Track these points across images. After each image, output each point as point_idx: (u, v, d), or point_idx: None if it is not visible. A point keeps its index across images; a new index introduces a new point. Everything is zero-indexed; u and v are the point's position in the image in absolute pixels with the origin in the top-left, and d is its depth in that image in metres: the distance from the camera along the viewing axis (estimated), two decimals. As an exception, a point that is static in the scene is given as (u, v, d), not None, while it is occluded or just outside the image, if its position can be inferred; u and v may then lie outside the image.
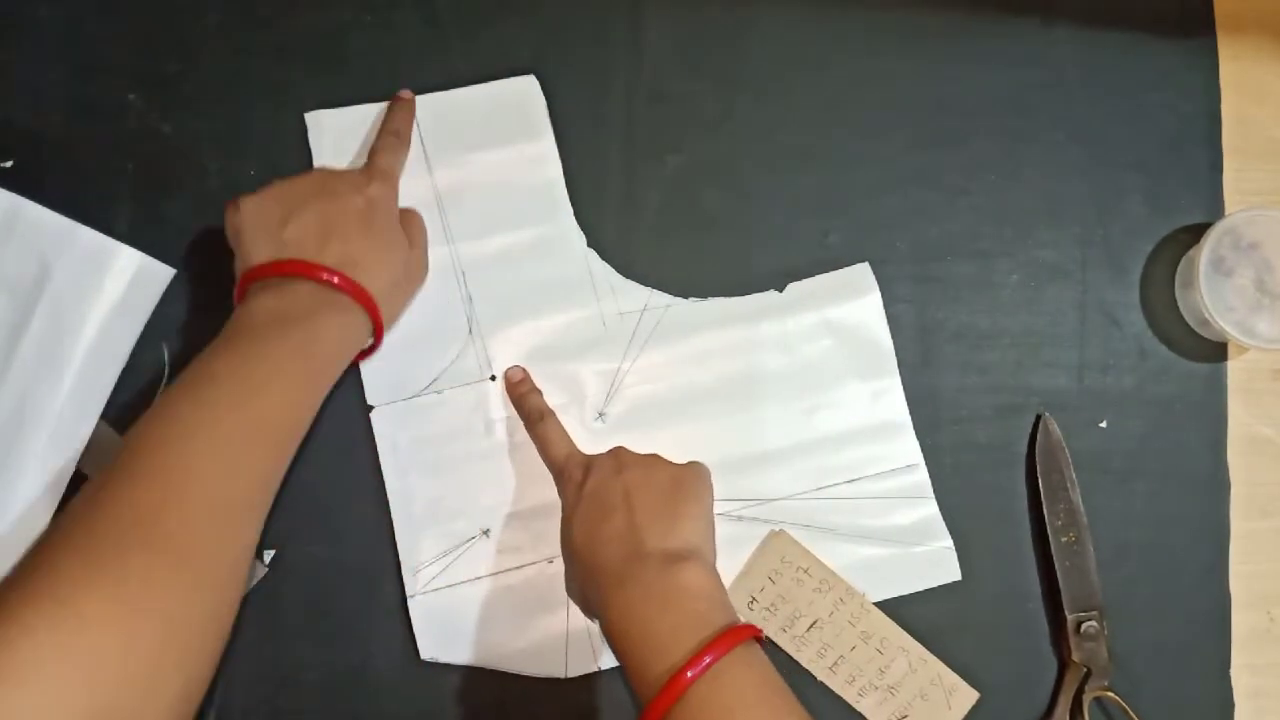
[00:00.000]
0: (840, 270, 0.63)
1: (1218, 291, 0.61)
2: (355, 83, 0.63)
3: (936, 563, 0.61)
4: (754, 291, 0.63)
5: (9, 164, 0.62)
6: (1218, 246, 0.61)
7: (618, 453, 0.58)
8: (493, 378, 0.62)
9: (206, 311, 0.61)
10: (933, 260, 0.64)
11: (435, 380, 0.61)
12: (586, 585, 0.55)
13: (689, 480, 0.56)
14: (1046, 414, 0.63)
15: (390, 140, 0.61)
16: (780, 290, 0.63)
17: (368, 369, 0.61)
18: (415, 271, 0.60)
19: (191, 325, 0.61)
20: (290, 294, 0.53)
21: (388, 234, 0.57)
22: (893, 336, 0.63)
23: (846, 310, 0.63)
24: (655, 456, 0.58)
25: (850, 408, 0.62)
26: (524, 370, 0.62)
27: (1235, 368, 0.64)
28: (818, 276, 0.63)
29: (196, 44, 0.64)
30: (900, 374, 0.63)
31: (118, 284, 0.60)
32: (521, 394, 0.61)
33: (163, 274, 0.61)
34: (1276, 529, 0.63)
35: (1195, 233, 0.64)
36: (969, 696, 0.60)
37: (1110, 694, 0.60)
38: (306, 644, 0.59)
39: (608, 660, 0.60)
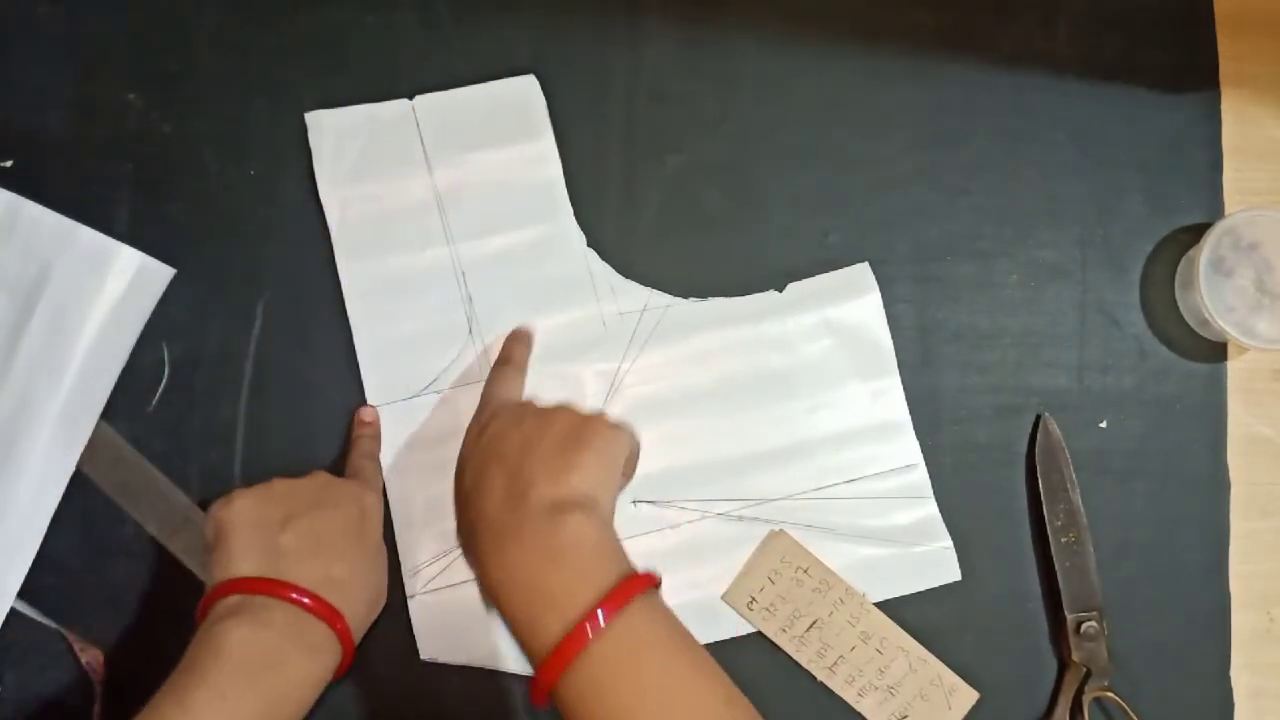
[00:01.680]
0: (840, 270, 0.63)
1: (1218, 292, 0.61)
2: (355, 83, 0.63)
3: (936, 563, 0.61)
4: (754, 291, 0.63)
5: (9, 164, 0.62)
6: (1218, 246, 0.61)
7: (525, 404, 0.56)
8: None
9: (207, 312, 0.61)
10: (933, 260, 0.64)
11: (435, 380, 0.61)
12: (470, 537, 0.53)
13: (589, 429, 0.53)
14: (1046, 414, 0.63)
15: (367, 463, 0.60)
16: (780, 290, 0.63)
17: (367, 369, 0.61)
18: (382, 596, 0.57)
19: (192, 325, 0.61)
20: (273, 625, 0.50)
21: (371, 550, 0.56)
22: (893, 336, 0.63)
23: (846, 310, 0.63)
24: (562, 406, 0.55)
25: (850, 407, 0.62)
26: (374, 410, 0.61)
27: (1235, 368, 0.64)
28: (818, 276, 0.63)
29: (197, 44, 0.64)
30: (900, 374, 0.63)
31: (118, 284, 0.60)
32: (510, 339, 0.61)
33: (163, 274, 0.61)
34: (1276, 529, 0.63)
35: (1195, 233, 0.64)
36: (969, 697, 0.60)
37: (1110, 694, 0.60)
38: (306, 644, 0.59)
39: None
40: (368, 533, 0.56)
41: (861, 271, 0.63)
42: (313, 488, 0.56)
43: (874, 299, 0.63)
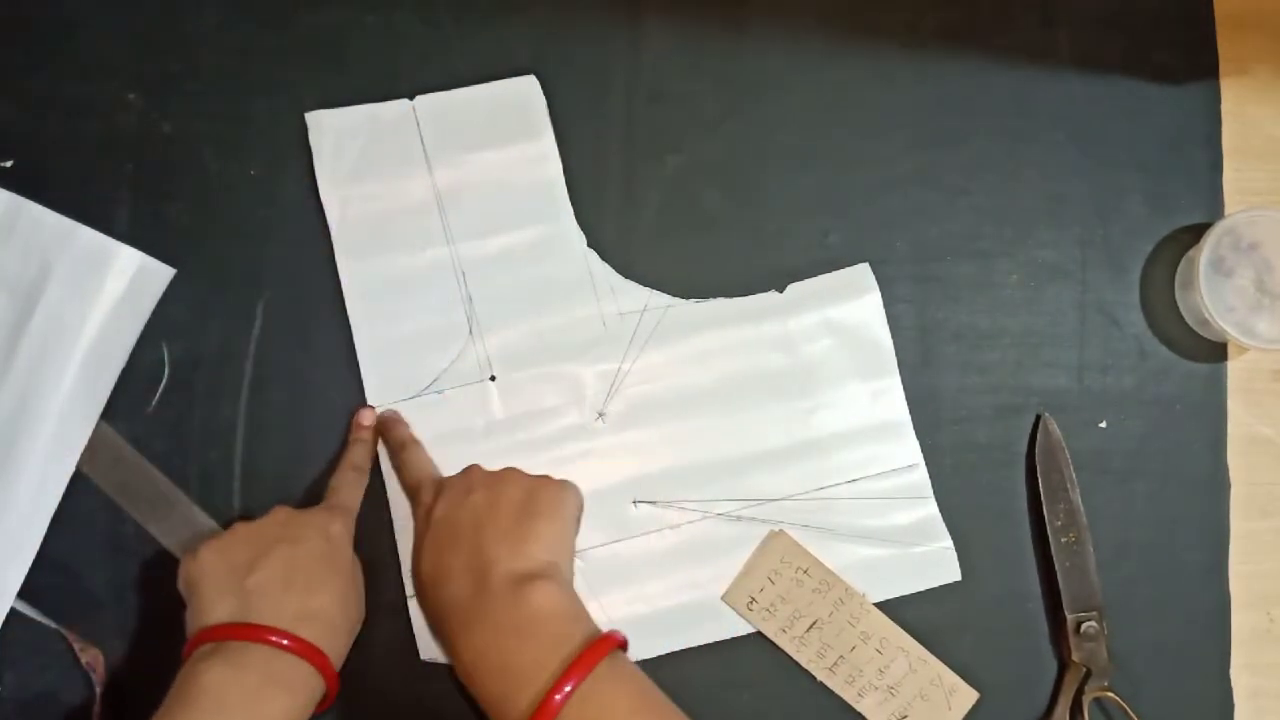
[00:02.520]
0: (840, 270, 0.63)
1: (1218, 292, 0.61)
2: (355, 83, 0.63)
3: (936, 563, 0.61)
4: (754, 292, 0.63)
5: (9, 164, 0.62)
6: (1218, 247, 0.61)
7: (469, 473, 0.57)
8: (493, 378, 0.61)
9: (207, 312, 0.61)
10: (933, 260, 0.64)
11: (435, 380, 0.61)
12: (438, 622, 0.54)
13: (541, 494, 0.55)
14: (1046, 414, 0.63)
15: (350, 475, 0.59)
16: (780, 291, 0.63)
17: (368, 369, 0.61)
18: (361, 614, 0.57)
19: (192, 325, 0.61)
20: (248, 667, 0.50)
21: (345, 576, 0.56)
22: (893, 336, 0.63)
23: (847, 310, 0.63)
24: (508, 472, 0.56)
25: (850, 408, 0.62)
26: (373, 411, 0.61)
27: (1235, 368, 0.64)
28: (818, 277, 0.63)
29: (197, 44, 0.64)
30: (900, 374, 0.63)
31: (118, 284, 0.60)
32: (385, 427, 0.60)
33: (163, 274, 0.61)
34: (1276, 529, 0.63)
35: (1195, 233, 0.64)
36: (969, 697, 0.60)
37: (1110, 694, 0.60)
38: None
39: None
40: (337, 559, 0.56)
41: (862, 272, 0.63)
42: (275, 525, 0.56)
43: (874, 299, 0.63)
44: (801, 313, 0.63)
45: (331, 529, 0.56)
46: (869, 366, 0.63)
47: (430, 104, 0.63)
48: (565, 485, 0.56)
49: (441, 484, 0.56)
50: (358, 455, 0.60)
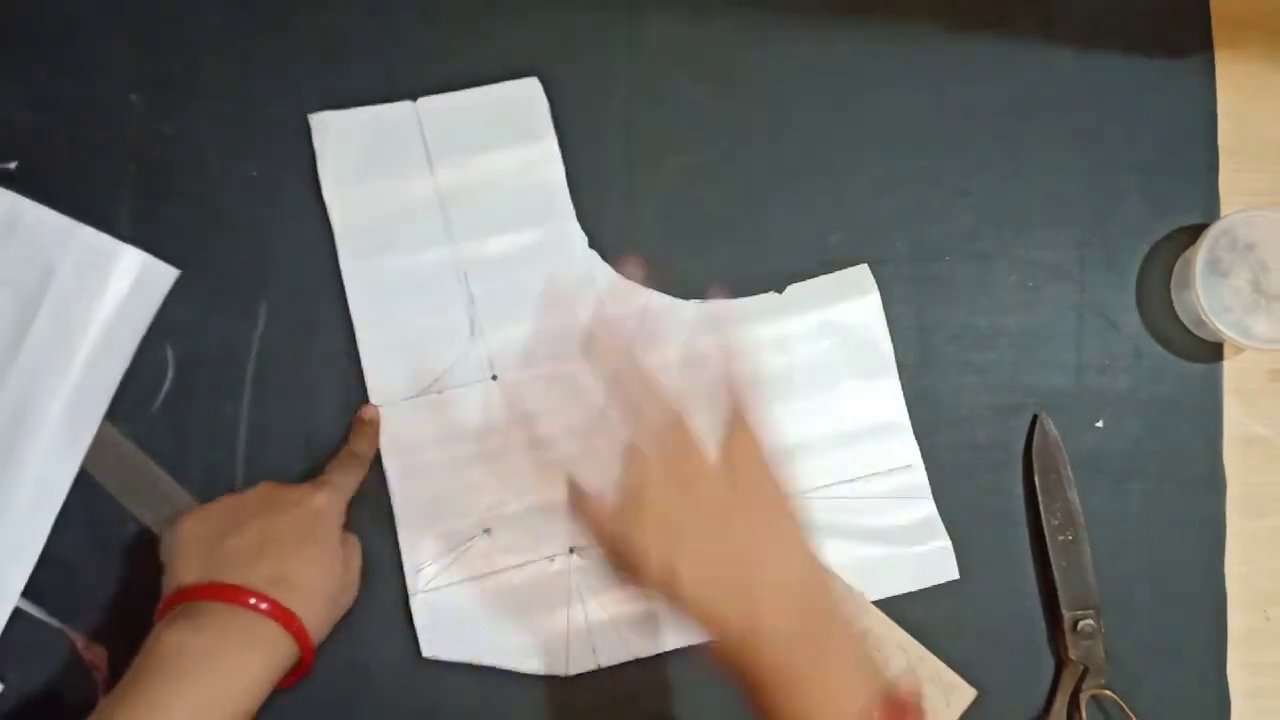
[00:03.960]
0: (840, 271, 0.63)
1: (1214, 292, 0.61)
2: (356, 83, 0.63)
3: (934, 562, 0.61)
4: (754, 292, 0.63)
5: (12, 165, 0.62)
6: (1214, 247, 0.61)
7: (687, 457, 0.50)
8: (494, 378, 0.62)
9: (209, 312, 0.62)
10: (932, 260, 0.64)
11: (437, 380, 0.62)
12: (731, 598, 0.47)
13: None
14: (1044, 414, 0.63)
15: (350, 461, 0.59)
16: (780, 291, 0.63)
17: (370, 368, 0.61)
18: (349, 591, 0.57)
19: (195, 326, 0.62)
20: (210, 626, 0.50)
21: (327, 548, 0.55)
22: (892, 337, 0.63)
23: (846, 311, 0.63)
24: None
25: (849, 408, 0.62)
26: (377, 409, 0.61)
27: (1231, 368, 0.64)
28: (818, 278, 0.63)
29: (198, 44, 0.64)
30: (899, 374, 0.63)
31: (121, 284, 0.60)
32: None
33: (166, 274, 0.61)
34: (1272, 528, 0.63)
35: (1192, 233, 0.64)
36: (966, 694, 0.60)
37: (1107, 692, 0.60)
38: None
39: (608, 658, 0.60)
40: (320, 532, 0.55)
41: (861, 273, 0.63)
42: (257, 497, 0.56)
43: (873, 300, 0.63)
44: (801, 313, 0.63)
45: (315, 501, 0.56)
46: (867, 367, 0.63)
47: (433, 105, 0.63)
48: None
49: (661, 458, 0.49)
50: (358, 444, 0.60)
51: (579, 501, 0.51)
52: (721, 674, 0.47)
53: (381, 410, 0.61)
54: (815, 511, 0.61)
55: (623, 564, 0.49)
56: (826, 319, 0.63)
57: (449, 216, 0.63)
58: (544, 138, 0.63)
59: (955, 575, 0.61)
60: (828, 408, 0.62)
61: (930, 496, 0.62)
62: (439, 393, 0.62)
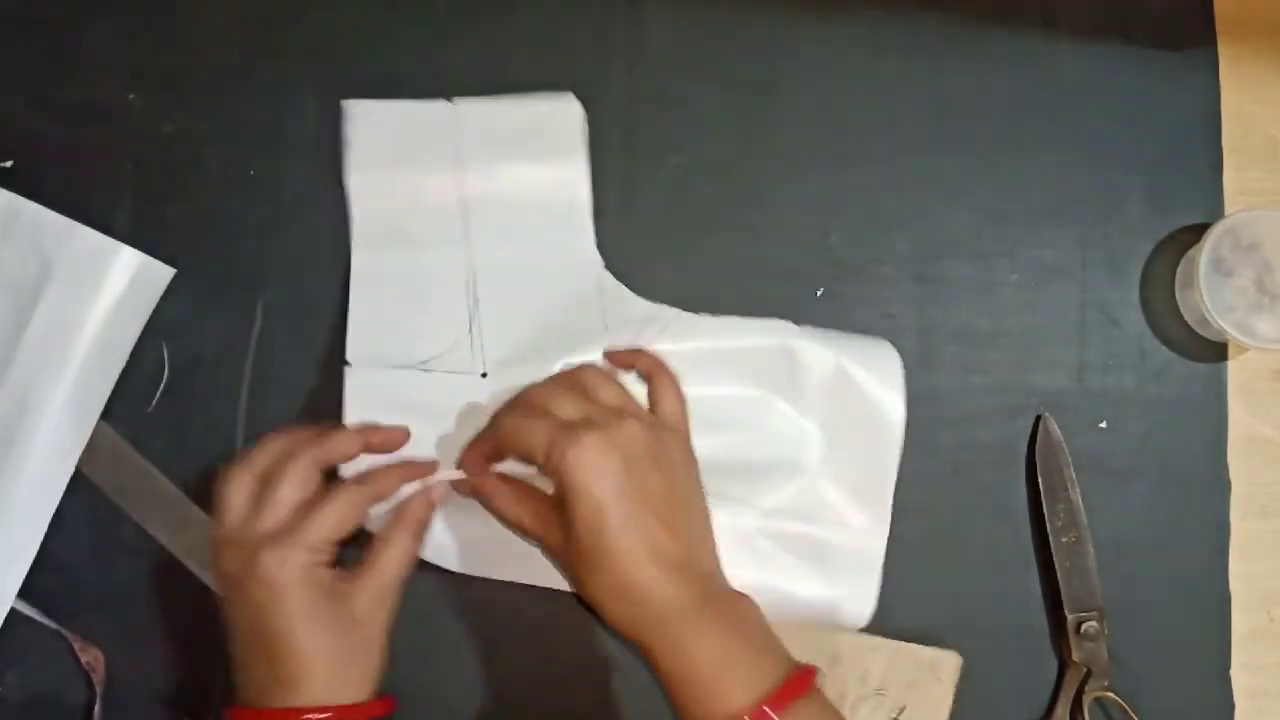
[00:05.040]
0: (867, 338, 0.62)
1: (1217, 292, 0.61)
2: (356, 83, 0.63)
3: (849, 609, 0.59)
4: (754, 290, 0.63)
5: (9, 164, 0.62)
6: (1218, 246, 0.61)
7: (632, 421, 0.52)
8: (484, 375, 0.60)
9: (207, 312, 0.61)
10: (933, 260, 0.64)
11: (423, 361, 0.60)
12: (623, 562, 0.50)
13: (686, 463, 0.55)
14: (1046, 414, 0.63)
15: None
16: (797, 323, 0.61)
17: (355, 334, 0.60)
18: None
19: (192, 326, 0.61)
20: None
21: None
22: (892, 337, 0.62)
23: (865, 376, 0.60)
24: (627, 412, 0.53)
25: (826, 509, 0.60)
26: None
27: (1235, 368, 0.64)
28: (839, 334, 0.62)
29: (197, 43, 0.64)
30: (898, 374, 0.62)
31: (118, 284, 0.60)
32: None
33: (163, 274, 0.61)
34: (1276, 529, 0.63)
35: (1195, 233, 0.64)
36: (952, 662, 0.59)
37: (1110, 694, 0.60)
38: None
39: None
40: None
41: (886, 350, 0.61)
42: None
43: (896, 381, 0.60)
44: (815, 353, 0.60)
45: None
46: (864, 477, 0.60)
47: (470, 108, 0.62)
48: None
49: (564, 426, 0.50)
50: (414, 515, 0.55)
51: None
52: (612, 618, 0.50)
53: (355, 371, 0.59)
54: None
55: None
56: (842, 367, 0.60)
57: (469, 219, 0.62)
58: (576, 158, 0.62)
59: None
60: (806, 491, 0.60)
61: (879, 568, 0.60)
62: (425, 371, 0.60)
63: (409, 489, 0.56)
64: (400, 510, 0.54)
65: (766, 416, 0.61)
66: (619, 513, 0.49)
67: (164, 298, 0.61)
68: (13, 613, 0.58)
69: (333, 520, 0.51)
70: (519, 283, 0.61)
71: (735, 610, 0.50)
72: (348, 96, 0.63)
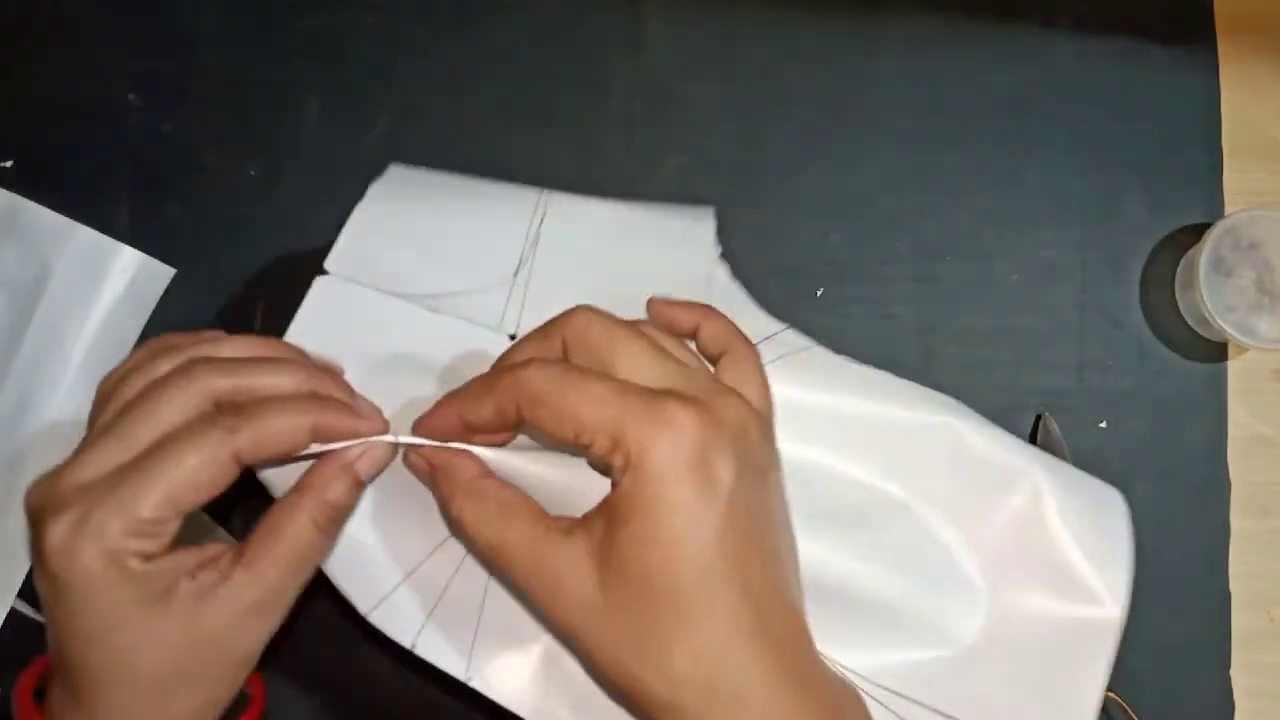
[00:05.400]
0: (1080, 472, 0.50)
1: (1218, 292, 0.61)
2: (356, 82, 0.63)
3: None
4: (753, 291, 0.62)
5: (8, 164, 0.62)
6: (1218, 247, 0.61)
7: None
8: (512, 337, 0.45)
9: (207, 312, 0.61)
10: (933, 260, 0.64)
11: (435, 296, 0.44)
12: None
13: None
14: (1046, 414, 0.63)
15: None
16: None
17: (351, 231, 0.45)
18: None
19: (192, 326, 0.61)
20: None
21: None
22: (892, 337, 0.62)
23: (1077, 539, 0.44)
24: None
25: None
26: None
27: (1235, 368, 0.64)
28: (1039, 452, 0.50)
29: (197, 43, 0.64)
30: (899, 374, 0.61)
31: (118, 284, 0.60)
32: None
33: (163, 274, 0.61)
34: (1276, 529, 0.63)
35: (1195, 233, 0.64)
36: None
37: (1110, 694, 0.60)
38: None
39: None
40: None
41: (1113, 501, 0.47)
42: None
43: (1121, 559, 0.43)
44: (1006, 462, 0.44)
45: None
46: (1040, 694, 0.40)
47: (609, 212, 0.49)
48: None
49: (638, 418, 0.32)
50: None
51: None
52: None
53: (328, 282, 0.44)
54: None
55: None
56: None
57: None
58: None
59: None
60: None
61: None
62: (431, 309, 0.44)
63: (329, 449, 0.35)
64: (309, 479, 0.36)
65: (908, 536, 0.42)
66: (724, 549, 0.30)
67: (164, 298, 0.61)
68: (13, 613, 0.58)
69: (181, 476, 0.32)
70: (597, 236, 0.48)
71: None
72: (348, 96, 0.63)
